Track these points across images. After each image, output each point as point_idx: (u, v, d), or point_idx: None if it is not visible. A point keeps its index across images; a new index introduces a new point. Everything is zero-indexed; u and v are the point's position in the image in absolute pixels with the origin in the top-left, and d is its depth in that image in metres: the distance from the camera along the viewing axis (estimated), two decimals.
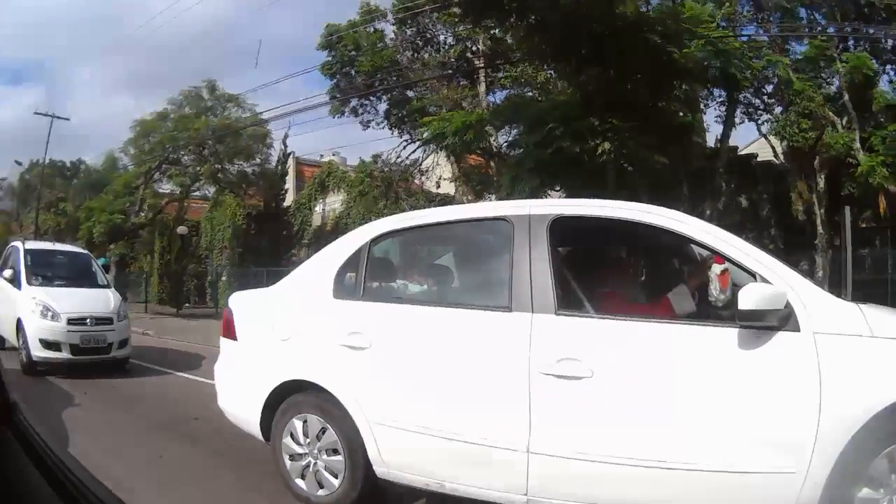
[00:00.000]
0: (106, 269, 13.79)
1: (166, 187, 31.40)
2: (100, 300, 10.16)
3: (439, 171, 22.60)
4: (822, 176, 18.05)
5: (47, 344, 9.21)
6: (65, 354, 9.26)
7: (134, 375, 9.77)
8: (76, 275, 10.77)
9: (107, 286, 11.01)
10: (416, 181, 23.55)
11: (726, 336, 3.31)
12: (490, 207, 4.44)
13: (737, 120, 19.01)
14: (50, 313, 9.36)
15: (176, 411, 7.22)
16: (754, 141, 21.68)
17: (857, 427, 3.11)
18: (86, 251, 12.84)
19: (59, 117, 33.72)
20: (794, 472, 3.17)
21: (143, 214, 29.95)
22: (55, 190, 34.86)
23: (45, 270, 10.52)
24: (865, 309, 3.41)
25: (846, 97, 16.40)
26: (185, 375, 10.17)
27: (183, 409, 7.27)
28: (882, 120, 16.17)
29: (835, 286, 3.83)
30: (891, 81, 17.72)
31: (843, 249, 10.56)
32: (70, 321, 9.36)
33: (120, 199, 28.85)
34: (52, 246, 12.09)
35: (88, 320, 9.56)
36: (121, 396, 8.12)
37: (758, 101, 18.96)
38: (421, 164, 22.63)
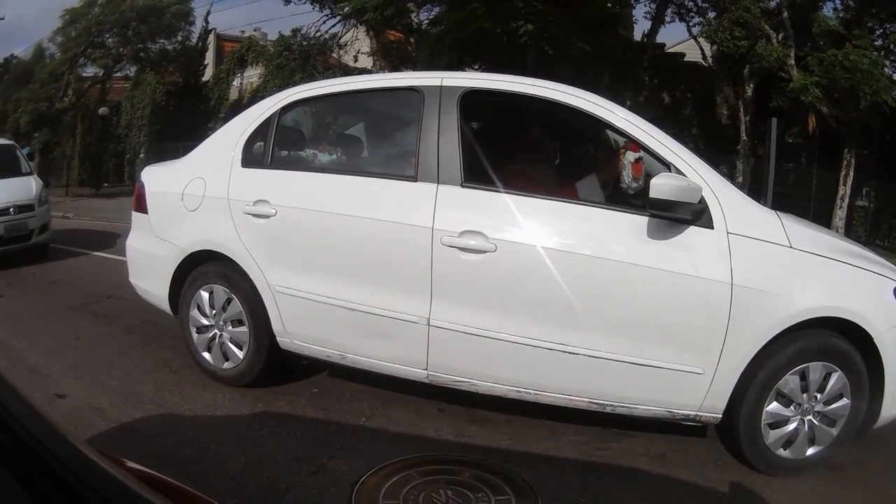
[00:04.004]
0: (30, 157, 13.27)
1: (90, 71, 30.41)
2: (22, 188, 9.73)
3: (358, 46, 22.42)
4: (751, 85, 18.18)
5: None
6: None
7: (53, 259, 9.55)
8: (0, 166, 10.33)
9: (30, 173, 10.59)
10: (334, 55, 23.40)
11: (636, 224, 3.27)
12: (402, 77, 4.32)
13: (667, 18, 18.93)
14: None
15: (91, 291, 7.13)
16: (683, 41, 21.54)
17: (767, 338, 3.17)
18: (10, 142, 12.28)
19: None
20: (700, 372, 3.22)
21: (66, 100, 29.02)
22: None
23: None
24: (784, 218, 3.41)
25: (785, 14, 16.37)
26: (101, 255, 10.10)
27: (98, 289, 7.18)
28: (822, 44, 16.17)
29: (754, 194, 3.91)
30: (835, 9, 17.73)
31: (766, 159, 10.71)
32: None
33: (46, 87, 27.97)
34: None
35: (12, 209, 9.17)
36: (40, 282, 7.97)
37: (690, 2, 18.80)
38: (340, 39, 22.35)
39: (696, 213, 3.17)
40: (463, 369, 3.56)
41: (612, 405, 3.40)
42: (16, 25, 61.91)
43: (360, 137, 4.77)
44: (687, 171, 3.28)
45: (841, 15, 17.06)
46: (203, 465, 3.25)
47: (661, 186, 3.07)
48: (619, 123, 3.49)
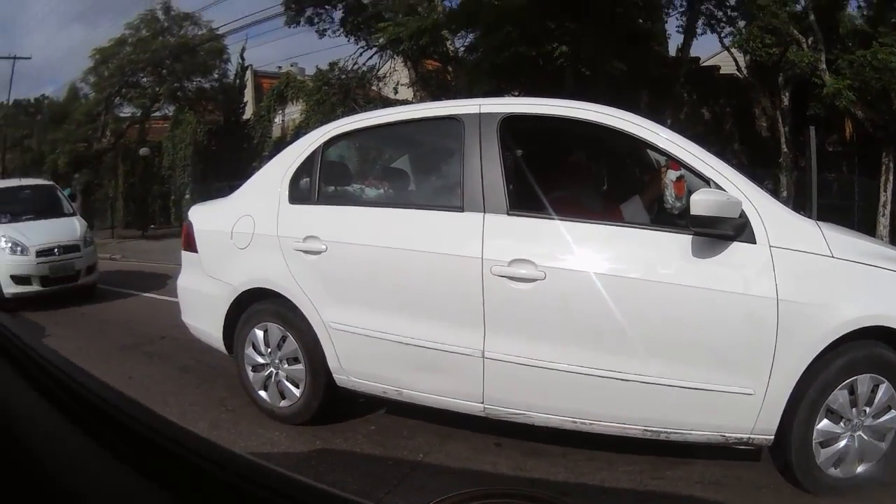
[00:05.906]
0: (72, 198, 13.57)
1: (127, 111, 30.88)
2: (66, 229, 10.01)
3: (396, 77, 22.36)
4: (787, 93, 17.82)
5: (18, 279, 9.15)
6: (35, 287, 9.21)
7: (102, 300, 9.72)
8: (42, 207, 10.57)
9: (72, 214, 10.86)
10: (374, 87, 23.38)
11: (681, 243, 3.22)
12: (441, 106, 4.32)
13: (698, 31, 18.63)
14: (19, 248, 9.23)
15: (143, 332, 7.22)
16: (716, 53, 21.25)
17: (815, 353, 3.08)
18: (50, 182, 12.64)
19: (20, 58, 32.89)
20: (751, 393, 3.14)
21: (105, 140, 29.59)
22: (20, 129, 34.09)
23: (12, 207, 10.24)
24: (825, 228, 3.33)
25: (812, 17, 16.11)
26: (152, 296, 10.17)
27: (150, 329, 7.28)
28: (850, 45, 15.84)
29: (799, 208, 3.85)
30: (859, 6, 17.41)
31: (808, 171, 10.53)
32: (38, 253, 9.25)
33: (82, 127, 28.59)
34: (16, 182, 11.85)
35: (56, 250, 9.44)
36: (90, 322, 8.11)
37: (720, 12, 18.48)
38: (378, 71, 22.42)
39: (737, 228, 3.11)
40: (518, 401, 3.52)
41: (666, 432, 3.34)
42: (42, 65, 63.71)
43: (406, 170, 4.80)
44: (726, 186, 3.23)
45: (864, 13, 16.75)
46: None
47: (700, 202, 3.03)
48: (654, 140, 3.47)
